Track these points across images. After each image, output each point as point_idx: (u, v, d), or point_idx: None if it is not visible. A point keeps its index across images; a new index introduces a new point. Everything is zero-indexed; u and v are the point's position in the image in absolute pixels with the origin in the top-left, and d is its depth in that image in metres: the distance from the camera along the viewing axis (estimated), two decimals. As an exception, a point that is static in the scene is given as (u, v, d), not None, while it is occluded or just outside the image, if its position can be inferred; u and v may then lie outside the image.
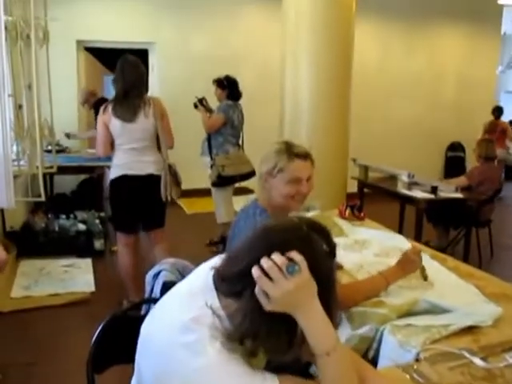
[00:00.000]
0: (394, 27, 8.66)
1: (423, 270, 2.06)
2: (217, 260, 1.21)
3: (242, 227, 1.92)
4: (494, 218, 5.48)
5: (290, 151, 1.89)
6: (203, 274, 1.20)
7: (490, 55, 9.67)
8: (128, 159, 3.54)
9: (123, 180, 3.56)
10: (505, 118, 15.16)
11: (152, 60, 7.37)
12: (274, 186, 1.91)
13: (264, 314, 1.05)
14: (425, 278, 2.06)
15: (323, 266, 1.11)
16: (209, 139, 5.03)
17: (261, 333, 1.05)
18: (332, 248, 1.15)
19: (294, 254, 1.05)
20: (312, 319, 1.07)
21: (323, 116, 4.88)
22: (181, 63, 7.34)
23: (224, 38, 7.67)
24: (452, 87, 9.40)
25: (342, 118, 5.00)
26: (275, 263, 1.04)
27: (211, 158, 4.96)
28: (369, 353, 1.69)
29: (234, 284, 1.10)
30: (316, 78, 4.76)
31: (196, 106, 5.06)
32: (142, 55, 7.46)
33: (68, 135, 6.08)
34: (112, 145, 3.59)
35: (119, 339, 1.51)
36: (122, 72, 3.53)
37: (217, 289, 1.14)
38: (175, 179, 3.79)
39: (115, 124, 3.48)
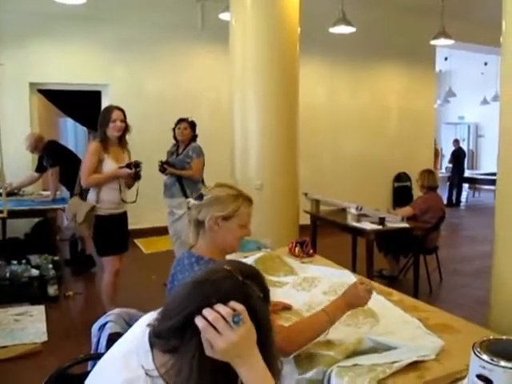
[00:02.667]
0: (339, 67, 8.91)
1: None
2: (153, 314, 1.17)
3: (180, 280, 1.86)
4: (440, 245, 5.60)
5: (244, 196, 1.89)
6: (139, 332, 1.15)
7: (428, 91, 10.05)
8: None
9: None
10: (445, 146, 15.73)
11: (105, 101, 7.28)
12: (228, 229, 1.85)
13: (204, 367, 1.02)
14: None
15: (261, 313, 1.09)
16: (179, 181, 4.96)
17: None
18: (266, 293, 1.14)
19: (235, 304, 1.03)
20: (253, 368, 1.05)
21: (272, 153, 4.90)
22: (134, 104, 7.26)
23: (176, 78, 7.69)
24: (395, 121, 9.68)
25: (290, 155, 5.04)
26: (220, 314, 1.01)
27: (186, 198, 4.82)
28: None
29: (170, 339, 1.06)
30: (263, 117, 4.80)
31: (164, 170, 4.88)
32: (95, 97, 7.46)
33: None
34: None
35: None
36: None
37: (152, 346, 1.09)
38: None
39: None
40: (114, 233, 3.96)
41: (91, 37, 7.16)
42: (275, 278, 2.62)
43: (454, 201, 12.30)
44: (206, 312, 1.02)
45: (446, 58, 12.64)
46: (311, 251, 3.13)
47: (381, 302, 2.24)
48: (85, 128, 9.79)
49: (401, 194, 9.44)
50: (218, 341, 1.01)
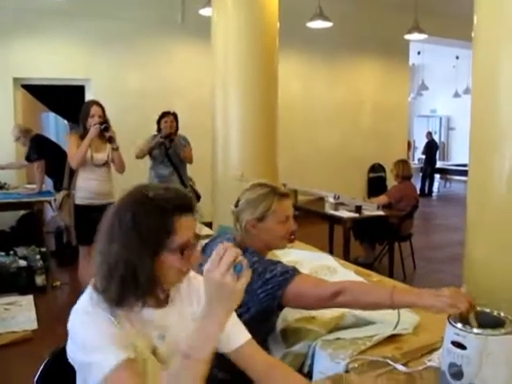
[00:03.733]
0: (316, 61, 8.98)
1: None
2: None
3: None
4: (414, 233, 5.73)
5: (275, 192, 1.83)
6: None
7: (401, 84, 10.20)
8: None
9: None
10: (418, 139, 15.93)
11: (88, 96, 7.23)
12: (266, 229, 1.81)
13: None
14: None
15: None
16: (178, 171, 5.11)
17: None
18: None
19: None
20: (211, 321, 1.07)
21: (253, 145, 4.95)
22: (116, 98, 7.23)
23: (157, 72, 7.67)
24: (370, 114, 9.81)
25: (270, 146, 5.09)
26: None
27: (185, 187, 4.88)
28: (303, 368, 1.72)
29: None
30: (244, 110, 4.84)
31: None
32: (79, 91, 7.40)
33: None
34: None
35: (62, 377, 1.46)
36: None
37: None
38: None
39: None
40: (92, 223, 3.96)
41: (74, 32, 7.09)
42: (259, 263, 2.68)
43: (427, 191, 12.53)
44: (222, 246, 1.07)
45: (419, 52, 12.80)
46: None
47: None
48: (66, 122, 9.72)
49: (375, 185, 9.58)
50: (215, 272, 1.04)
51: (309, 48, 8.70)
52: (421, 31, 7.12)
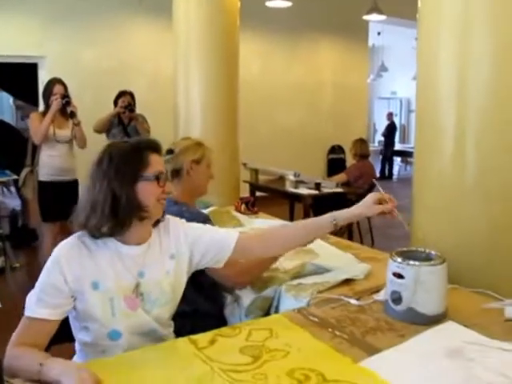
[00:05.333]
0: (275, 41, 9.33)
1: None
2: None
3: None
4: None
5: (204, 144, 2.36)
6: None
7: (361, 65, 10.67)
8: None
9: None
10: (378, 121, 16.45)
11: (42, 74, 7.35)
12: (200, 171, 2.30)
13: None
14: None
15: None
16: None
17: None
18: None
19: None
20: None
21: (214, 123, 5.24)
22: (71, 76, 7.29)
23: (114, 50, 7.85)
24: (330, 95, 10.24)
25: (231, 124, 5.39)
26: None
27: None
28: (271, 309, 2.09)
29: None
30: (206, 88, 5.13)
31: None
32: (32, 69, 7.48)
33: None
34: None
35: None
36: None
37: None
38: None
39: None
40: (56, 200, 4.23)
41: (26, 8, 7.16)
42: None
43: (387, 173, 13.13)
44: None
45: (378, 33, 13.28)
46: (255, 209, 3.57)
47: (319, 243, 2.69)
48: (11, 103, 9.72)
49: (335, 166, 10.01)
50: None
51: (268, 28, 9.03)
52: (380, 12, 7.56)
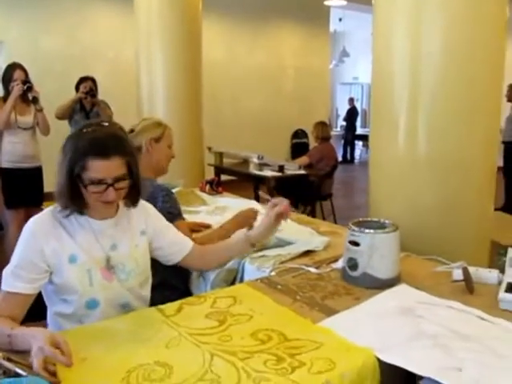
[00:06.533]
0: (238, 25, 9.38)
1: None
2: None
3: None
4: (335, 195, 6.35)
5: (164, 123, 2.40)
6: None
7: (322, 50, 10.82)
8: None
9: None
10: (340, 106, 16.61)
11: (0, 59, 7.22)
12: (160, 150, 2.35)
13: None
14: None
15: None
16: None
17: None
18: None
19: None
20: None
21: (177, 107, 5.28)
22: (31, 62, 7.16)
23: (75, 35, 7.76)
24: (292, 80, 10.36)
25: (195, 109, 5.44)
26: None
27: None
28: (235, 281, 2.17)
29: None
30: (169, 72, 5.16)
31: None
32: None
33: None
34: None
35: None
36: None
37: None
38: None
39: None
40: (20, 186, 4.22)
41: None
42: (190, 208, 3.11)
43: (349, 157, 13.36)
44: None
45: (340, 19, 13.42)
46: (220, 189, 3.64)
47: (282, 220, 2.80)
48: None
49: (298, 150, 10.16)
50: None
51: (232, 12, 9.07)
52: (340, -3, 7.67)
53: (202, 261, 1.93)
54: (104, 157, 1.53)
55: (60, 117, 5.16)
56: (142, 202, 1.80)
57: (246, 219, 2.39)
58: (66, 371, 1.27)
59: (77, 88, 5.26)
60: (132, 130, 2.34)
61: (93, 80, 5.30)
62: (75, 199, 1.57)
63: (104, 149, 1.54)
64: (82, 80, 5.27)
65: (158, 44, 5.08)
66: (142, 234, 1.77)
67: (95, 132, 1.59)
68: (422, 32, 2.34)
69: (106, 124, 1.64)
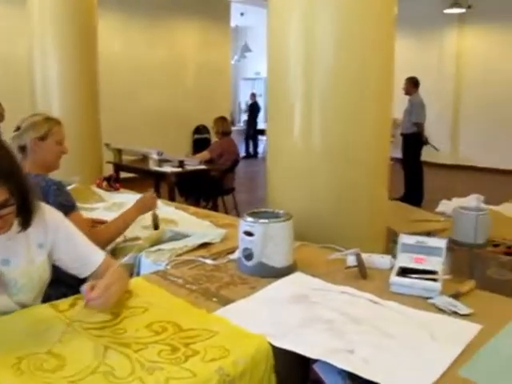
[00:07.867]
0: (135, 20, 9.24)
1: (156, 218, 2.48)
2: None
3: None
4: (238, 190, 6.44)
5: (52, 118, 2.32)
6: None
7: (223, 45, 10.90)
8: None
9: None
10: (243, 102, 16.77)
11: None
12: (47, 148, 2.26)
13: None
14: (155, 226, 2.46)
15: None
16: None
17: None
18: None
19: None
20: None
21: (73, 103, 5.15)
22: None
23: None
24: (193, 76, 10.35)
25: (91, 105, 5.32)
26: None
27: None
28: (132, 276, 2.17)
29: None
30: (64, 69, 5.02)
31: None
32: None
33: None
34: None
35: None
36: None
37: None
38: None
39: None
40: None
41: None
42: (87, 205, 3.05)
43: (252, 152, 13.56)
44: None
45: (242, 14, 13.53)
46: (118, 185, 3.59)
47: (179, 214, 2.83)
48: None
49: (200, 146, 10.14)
50: None
51: (127, 6, 8.90)
52: (239, -9, 7.74)
53: None
54: None
55: None
56: (44, 212, 1.73)
57: (146, 205, 2.41)
58: None
59: None
60: (18, 128, 2.26)
61: None
62: None
63: None
64: None
65: (51, 38, 4.92)
66: (40, 247, 1.68)
67: None
68: (314, 26, 2.46)
69: None
